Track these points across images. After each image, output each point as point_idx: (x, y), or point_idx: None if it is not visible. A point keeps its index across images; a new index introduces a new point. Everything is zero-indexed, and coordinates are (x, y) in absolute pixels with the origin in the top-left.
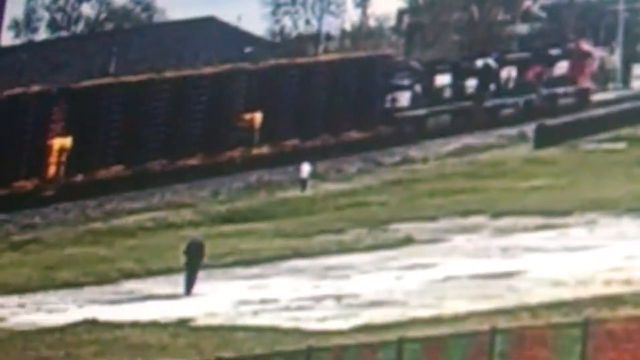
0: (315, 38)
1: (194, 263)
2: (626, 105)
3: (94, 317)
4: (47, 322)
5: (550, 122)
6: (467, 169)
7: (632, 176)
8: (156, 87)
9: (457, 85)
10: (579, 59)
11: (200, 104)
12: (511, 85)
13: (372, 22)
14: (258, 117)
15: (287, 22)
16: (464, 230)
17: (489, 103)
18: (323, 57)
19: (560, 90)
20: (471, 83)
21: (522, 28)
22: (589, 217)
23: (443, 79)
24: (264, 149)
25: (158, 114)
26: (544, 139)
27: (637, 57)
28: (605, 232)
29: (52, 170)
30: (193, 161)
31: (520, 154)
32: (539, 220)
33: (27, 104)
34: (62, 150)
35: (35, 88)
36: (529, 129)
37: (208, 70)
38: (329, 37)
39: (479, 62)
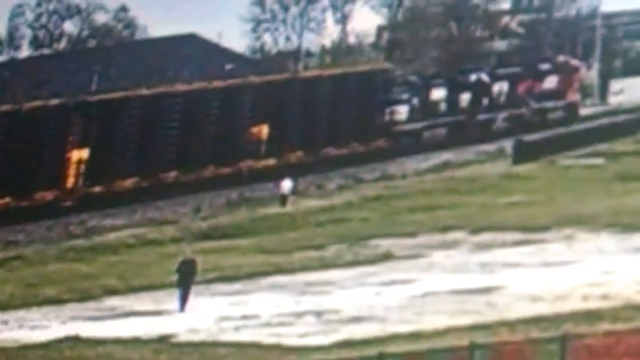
0: (295, 54)
1: (186, 280)
2: (604, 121)
3: (76, 333)
4: (30, 339)
5: (528, 137)
6: (446, 185)
7: (610, 191)
8: (169, 100)
9: (452, 99)
10: (568, 73)
11: (210, 116)
12: (503, 99)
13: (351, 39)
14: (265, 129)
15: (267, 39)
16: (443, 246)
17: (482, 117)
18: (326, 72)
19: (550, 104)
20: (465, 97)
21: (501, 44)
22: (567, 233)
23: (439, 93)
24: (270, 161)
25: (171, 127)
26: (522, 154)
27: (614, 73)
28: (583, 248)
29: (70, 181)
30: (205, 173)
31: (498, 169)
32: (518, 236)
33: (46, 116)
34: (80, 162)
35: (54, 101)
36: (508, 144)
37: (218, 83)
38: (309, 54)
39: (473, 77)
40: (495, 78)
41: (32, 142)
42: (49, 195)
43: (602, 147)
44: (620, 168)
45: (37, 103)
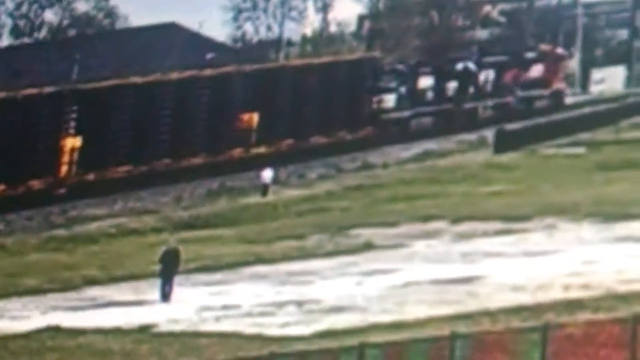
0: (276, 44)
1: (169, 270)
2: (585, 110)
3: (57, 323)
4: (10, 329)
5: (509, 127)
6: (427, 175)
7: (591, 181)
8: (161, 88)
9: (439, 88)
10: (553, 61)
11: (202, 104)
12: (489, 87)
13: (333, 28)
14: (255, 117)
15: (248, 28)
16: (425, 235)
17: (468, 105)
18: (316, 60)
19: (535, 92)
20: (452, 85)
21: (482, 33)
22: (548, 222)
23: (426, 81)
24: (262, 149)
25: (163, 115)
26: (503, 144)
27: (595, 62)
28: (564, 237)
29: (64, 169)
30: (196, 160)
31: (480, 159)
32: (499, 226)
33: (41, 104)
34: (73, 149)
35: (49, 89)
36: (489, 133)
37: (209, 72)
38: (290, 43)
39: (459, 65)
40: (481, 66)
41: (26, 130)
42: (42, 183)
43: (584, 136)
44: (601, 157)
45: (32, 91)
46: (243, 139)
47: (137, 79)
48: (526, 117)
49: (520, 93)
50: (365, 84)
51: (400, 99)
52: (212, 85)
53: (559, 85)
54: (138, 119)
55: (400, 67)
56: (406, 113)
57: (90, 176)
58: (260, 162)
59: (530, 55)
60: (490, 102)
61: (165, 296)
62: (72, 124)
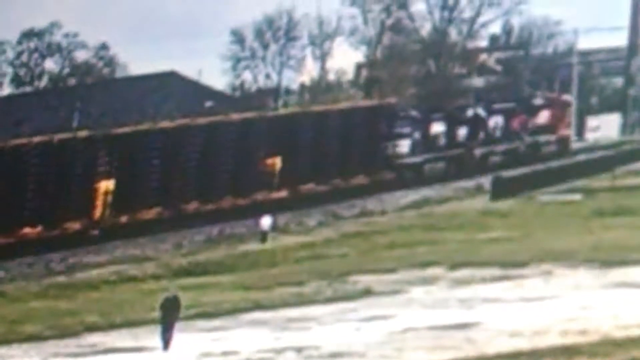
0: (274, 92)
1: (169, 318)
2: (581, 157)
3: None
4: None
5: (506, 174)
6: (424, 221)
7: (588, 228)
8: (189, 132)
9: (450, 133)
10: (560, 108)
11: (228, 149)
12: (498, 133)
13: (330, 76)
14: (278, 162)
15: (247, 76)
16: (422, 281)
17: (478, 150)
18: (335, 106)
19: (543, 138)
20: (462, 131)
21: (478, 81)
22: (545, 268)
23: (437, 127)
24: (283, 192)
25: (191, 158)
26: (500, 190)
27: (591, 110)
28: (561, 283)
29: (98, 211)
30: (223, 203)
31: (477, 206)
32: (496, 272)
33: (75, 148)
34: (107, 192)
35: (83, 133)
36: (486, 181)
37: (236, 117)
38: (288, 91)
39: (470, 112)
40: (490, 113)
41: (62, 173)
42: (78, 225)
43: (580, 183)
44: (597, 204)
45: (67, 135)
46: (266, 182)
47: (167, 124)
48: (534, 163)
49: (528, 139)
50: (381, 130)
51: (414, 144)
52: (237, 129)
53: (565, 131)
54: (167, 162)
55: (414, 113)
56: (419, 158)
57: (123, 218)
58: (283, 205)
59: (537, 102)
60: (499, 148)
61: (166, 344)
62: (105, 167)
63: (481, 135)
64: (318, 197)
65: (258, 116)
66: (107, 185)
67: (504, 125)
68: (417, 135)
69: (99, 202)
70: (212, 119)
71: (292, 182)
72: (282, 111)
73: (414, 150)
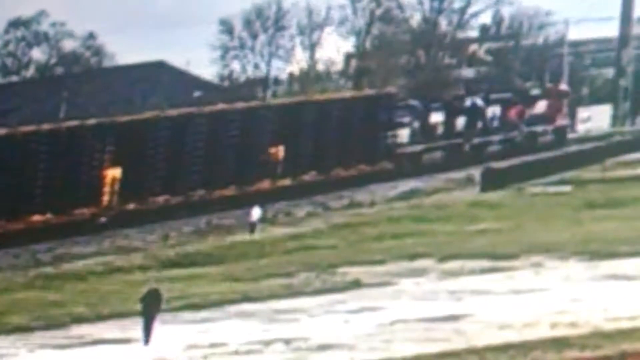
0: (263, 82)
1: (151, 311)
2: (572, 149)
3: None
4: None
5: (496, 165)
6: (414, 213)
7: (578, 219)
8: (195, 121)
9: (449, 123)
10: (557, 98)
11: (232, 137)
12: (496, 123)
13: (320, 67)
14: (281, 150)
15: (235, 66)
16: (412, 273)
17: (476, 140)
18: (336, 95)
19: (539, 128)
20: (460, 121)
21: (468, 72)
22: (535, 260)
23: (437, 117)
24: (287, 181)
25: (196, 147)
26: (490, 182)
27: (581, 101)
28: (551, 275)
29: (106, 199)
30: (227, 191)
31: (466, 197)
32: (486, 264)
33: (83, 135)
34: (114, 180)
35: (91, 121)
36: (476, 172)
37: (240, 105)
38: (277, 81)
39: (468, 101)
40: (488, 103)
41: (70, 161)
42: (86, 213)
43: (570, 174)
44: (587, 196)
45: (74, 123)
46: (270, 171)
47: (173, 112)
48: (531, 153)
49: (525, 129)
50: (381, 119)
51: (413, 134)
52: (241, 118)
53: (562, 121)
54: (173, 150)
55: (413, 102)
56: (418, 147)
57: (131, 206)
58: (286, 194)
59: (534, 92)
60: (497, 138)
61: (147, 338)
62: (112, 155)
63: (479, 125)
64: (320, 186)
65: (262, 104)
66: (114, 173)
67: (502, 115)
68: (416, 124)
69: (107, 190)
70: (217, 107)
71: (295, 171)
72: (286, 99)
73: (413, 140)
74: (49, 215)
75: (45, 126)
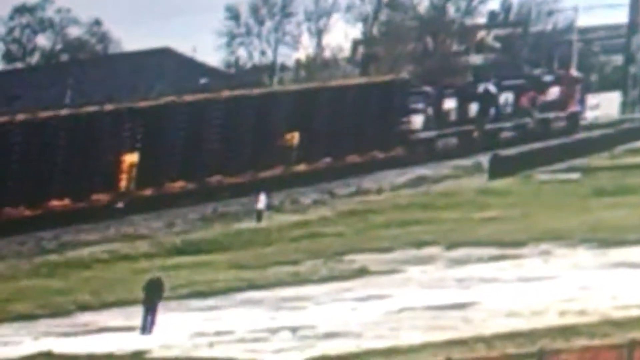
0: (270, 69)
1: (152, 300)
2: (580, 136)
3: (49, 349)
4: (2, 355)
5: (504, 152)
6: (421, 200)
7: (586, 207)
8: (212, 106)
9: (462, 109)
10: (569, 84)
11: (248, 123)
12: (509, 109)
13: (327, 53)
14: (296, 136)
15: (242, 53)
16: (419, 261)
17: (489, 126)
18: (351, 81)
19: (552, 114)
20: (473, 107)
21: (476, 58)
22: (543, 248)
23: (450, 103)
24: (302, 167)
25: (213, 132)
26: (498, 169)
27: (590, 88)
28: (559, 263)
29: (123, 184)
30: (243, 177)
31: (474, 184)
32: (494, 251)
33: (101, 121)
34: (131, 165)
35: (109, 107)
36: (484, 159)
37: (256, 91)
38: (283, 68)
39: (480, 88)
40: (501, 89)
41: (88, 146)
42: (104, 198)
43: (578, 162)
44: (596, 183)
45: (93, 108)
46: (285, 157)
47: (190, 97)
48: (544, 139)
49: (538, 115)
50: (395, 105)
51: (427, 120)
52: (257, 104)
53: (574, 107)
54: (190, 136)
55: (427, 89)
56: (432, 133)
57: (148, 191)
58: (301, 180)
59: (547, 78)
60: (509, 124)
61: (148, 327)
62: (130, 140)
63: (491, 111)
64: (335, 172)
65: (279, 90)
66: (131, 158)
67: (514, 101)
68: (430, 110)
69: (124, 175)
70: (234, 93)
71: (309, 157)
72: (301, 85)
73: (426, 126)
74: (67, 201)
75: (64, 111)
